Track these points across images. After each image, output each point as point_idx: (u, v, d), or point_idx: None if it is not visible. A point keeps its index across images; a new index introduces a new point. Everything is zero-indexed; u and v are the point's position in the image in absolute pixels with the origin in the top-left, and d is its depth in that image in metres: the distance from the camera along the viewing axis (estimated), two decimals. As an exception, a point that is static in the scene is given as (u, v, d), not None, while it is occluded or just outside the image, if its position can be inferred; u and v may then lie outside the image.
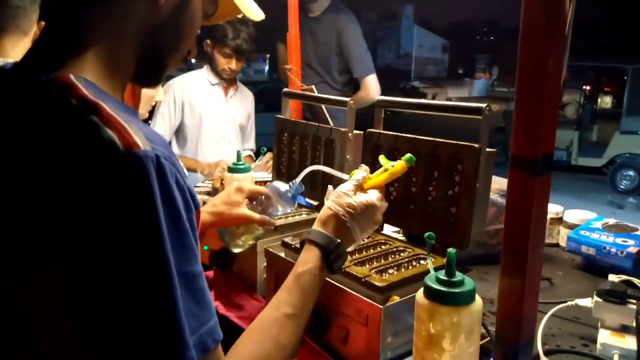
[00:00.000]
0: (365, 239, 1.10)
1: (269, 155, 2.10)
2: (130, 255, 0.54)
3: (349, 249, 0.87)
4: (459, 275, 0.74)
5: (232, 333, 1.12)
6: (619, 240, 1.34)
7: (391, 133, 1.18)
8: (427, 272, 0.97)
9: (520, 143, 0.72)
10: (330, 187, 0.91)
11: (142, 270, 0.54)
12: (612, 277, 1.15)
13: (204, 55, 2.56)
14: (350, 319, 0.93)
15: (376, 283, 0.90)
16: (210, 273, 1.27)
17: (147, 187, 0.54)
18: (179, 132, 2.58)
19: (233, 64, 2.46)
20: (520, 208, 0.72)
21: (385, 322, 0.87)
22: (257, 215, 1.10)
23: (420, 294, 0.76)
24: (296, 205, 1.20)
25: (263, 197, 1.13)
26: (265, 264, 1.17)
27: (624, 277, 1.13)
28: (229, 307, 1.16)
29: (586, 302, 1.08)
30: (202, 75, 2.57)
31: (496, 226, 1.46)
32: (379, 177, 0.90)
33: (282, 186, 1.13)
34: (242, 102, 2.66)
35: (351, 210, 0.84)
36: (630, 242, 1.33)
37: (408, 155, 0.87)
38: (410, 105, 1.19)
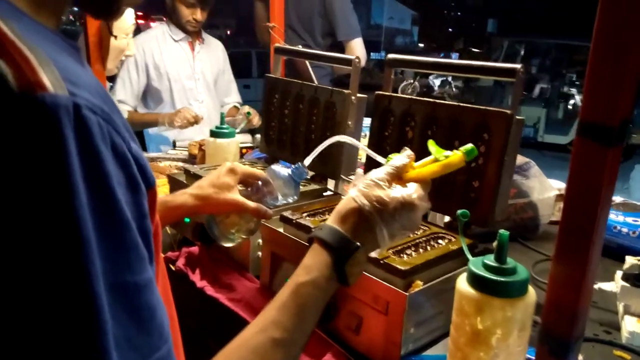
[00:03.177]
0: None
1: (255, 116, 1.94)
2: (25, 258, 0.35)
3: (371, 254, 0.67)
4: (510, 262, 0.63)
5: (224, 317, 1.00)
6: (629, 220, 1.28)
7: (405, 96, 1.05)
8: (452, 253, 0.87)
9: (593, 107, 0.60)
10: (359, 170, 0.72)
11: (46, 290, 0.35)
12: (631, 260, 1.08)
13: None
14: (365, 305, 0.82)
15: (398, 266, 0.78)
16: (195, 249, 1.12)
17: (57, 152, 0.35)
18: (150, 96, 2.37)
19: (198, 14, 2.27)
20: (587, 183, 0.62)
21: (410, 311, 0.76)
22: (251, 203, 0.90)
23: (463, 283, 0.64)
24: (299, 194, 0.98)
25: (260, 182, 0.94)
26: (259, 240, 1.03)
27: (644, 259, 1.06)
28: (218, 288, 1.03)
29: (610, 286, 1.01)
30: (164, 32, 2.35)
31: (501, 202, 1.37)
32: (426, 167, 0.68)
33: (283, 170, 0.94)
34: (211, 55, 2.46)
35: (380, 206, 0.62)
36: (642, 221, 1.26)
37: (470, 146, 0.67)
38: (427, 65, 1.06)
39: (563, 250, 0.64)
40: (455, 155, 0.68)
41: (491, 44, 12.84)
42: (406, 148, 0.72)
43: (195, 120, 2.12)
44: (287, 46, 1.76)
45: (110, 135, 0.38)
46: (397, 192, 0.64)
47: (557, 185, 1.56)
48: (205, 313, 1.02)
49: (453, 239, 0.92)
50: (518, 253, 1.31)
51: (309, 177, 0.94)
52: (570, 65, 9.95)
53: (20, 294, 0.35)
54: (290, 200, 0.96)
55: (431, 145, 0.71)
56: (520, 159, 1.41)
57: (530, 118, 8.41)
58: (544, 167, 1.46)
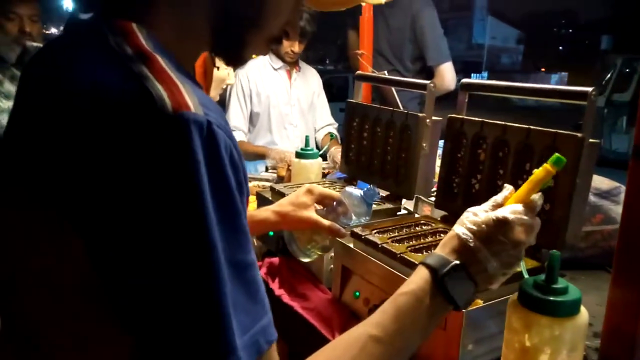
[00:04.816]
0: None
1: (336, 151, 2.01)
2: (165, 235, 0.46)
3: (486, 285, 0.67)
4: (561, 282, 0.64)
5: (296, 324, 1.08)
6: None
7: (476, 119, 1.07)
8: (515, 274, 0.87)
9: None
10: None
11: (179, 258, 0.46)
12: None
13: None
14: (426, 320, 0.85)
15: (457, 283, 0.81)
16: (276, 260, 1.22)
17: (190, 155, 0.46)
18: (250, 121, 2.57)
19: (296, 47, 2.42)
20: (643, 207, 0.61)
21: (467, 328, 0.78)
22: (325, 222, 0.99)
23: (514, 300, 0.66)
24: (371, 214, 1.08)
25: (335, 203, 1.02)
26: (332, 254, 1.10)
27: None
28: (294, 297, 1.11)
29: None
30: (265, 61, 2.54)
31: (587, 228, 1.31)
32: (520, 189, 0.70)
33: (356, 192, 1.03)
34: (307, 83, 2.61)
35: (474, 227, 0.65)
36: None
37: (555, 155, 0.67)
38: (500, 88, 1.08)
39: (620, 274, 0.64)
40: (540, 169, 0.68)
41: (604, 61, 11.94)
42: (506, 185, 0.74)
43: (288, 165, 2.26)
44: (368, 73, 1.84)
45: (229, 146, 0.51)
46: (490, 213, 0.67)
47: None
48: (281, 318, 1.11)
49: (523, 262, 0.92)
50: (604, 282, 1.24)
51: (379, 198, 1.01)
52: None
53: (161, 261, 0.47)
54: (363, 220, 1.04)
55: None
56: (610, 184, 1.35)
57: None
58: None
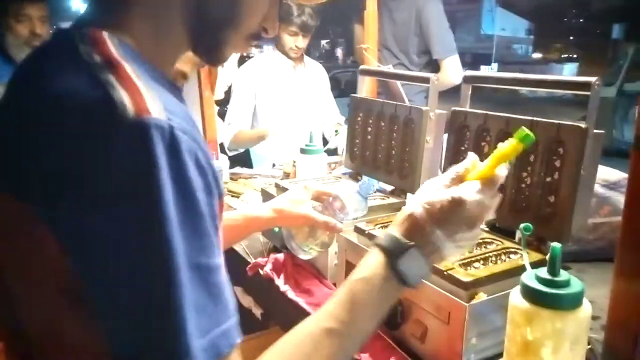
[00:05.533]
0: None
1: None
2: (125, 237, 0.47)
3: (440, 261, 0.66)
4: (563, 274, 0.64)
5: (301, 319, 1.08)
6: None
7: (480, 111, 1.06)
8: (519, 268, 0.87)
9: (649, 120, 0.60)
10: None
11: (138, 260, 0.47)
12: None
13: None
14: (430, 315, 0.85)
15: (460, 278, 0.81)
16: (281, 256, 1.23)
17: (151, 158, 0.47)
18: (254, 116, 2.57)
19: (300, 42, 2.41)
20: (646, 198, 0.61)
21: (470, 322, 0.78)
22: (320, 217, 0.99)
23: (515, 294, 0.66)
24: (367, 208, 1.07)
25: (331, 198, 1.03)
26: (336, 249, 1.10)
27: None
28: (299, 293, 1.11)
29: None
30: (269, 58, 2.53)
31: (595, 220, 1.30)
32: (483, 165, 0.66)
33: (352, 186, 1.03)
34: (312, 78, 2.60)
35: (429, 206, 0.63)
36: None
37: (521, 131, 0.62)
38: (502, 80, 1.07)
39: (623, 266, 0.63)
40: (509, 145, 0.64)
41: (616, 51, 11.76)
42: (470, 153, 0.70)
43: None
44: (372, 67, 1.83)
45: (194, 150, 0.51)
46: (447, 192, 0.64)
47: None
48: (287, 314, 1.11)
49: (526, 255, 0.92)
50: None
51: (375, 191, 1.01)
52: None
53: (122, 264, 0.47)
54: (360, 214, 1.03)
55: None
56: (618, 175, 1.33)
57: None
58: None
